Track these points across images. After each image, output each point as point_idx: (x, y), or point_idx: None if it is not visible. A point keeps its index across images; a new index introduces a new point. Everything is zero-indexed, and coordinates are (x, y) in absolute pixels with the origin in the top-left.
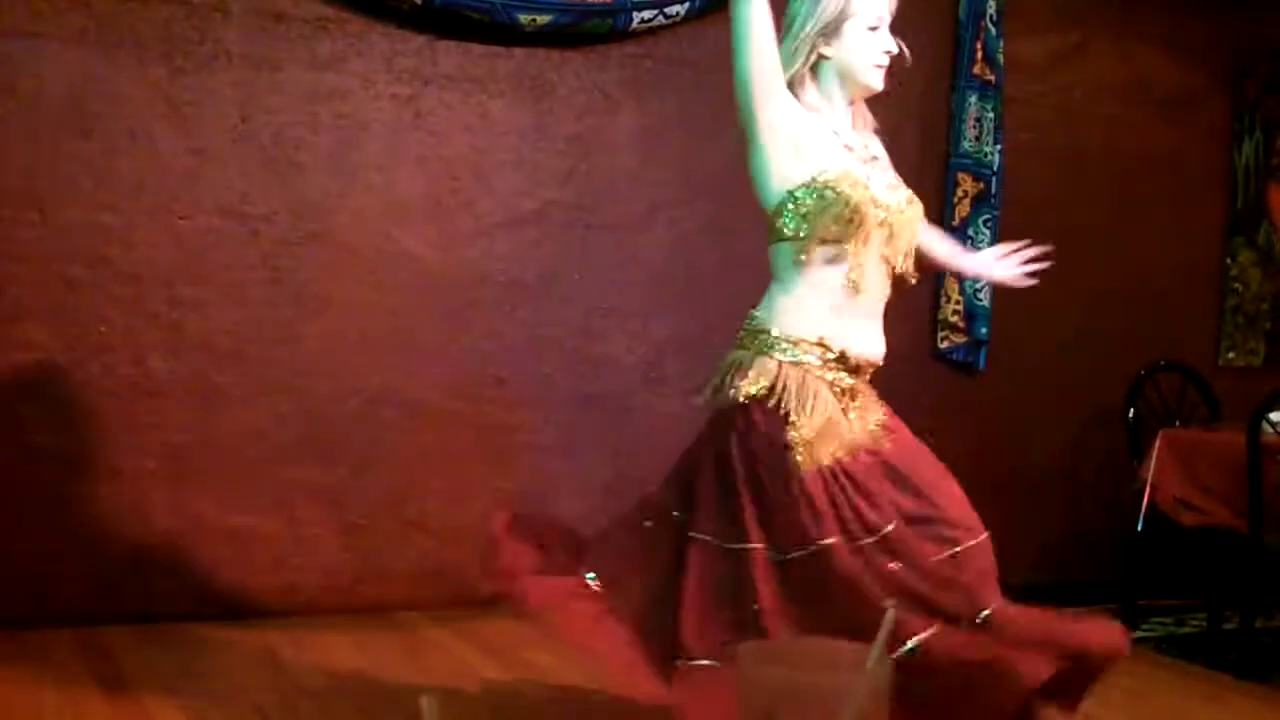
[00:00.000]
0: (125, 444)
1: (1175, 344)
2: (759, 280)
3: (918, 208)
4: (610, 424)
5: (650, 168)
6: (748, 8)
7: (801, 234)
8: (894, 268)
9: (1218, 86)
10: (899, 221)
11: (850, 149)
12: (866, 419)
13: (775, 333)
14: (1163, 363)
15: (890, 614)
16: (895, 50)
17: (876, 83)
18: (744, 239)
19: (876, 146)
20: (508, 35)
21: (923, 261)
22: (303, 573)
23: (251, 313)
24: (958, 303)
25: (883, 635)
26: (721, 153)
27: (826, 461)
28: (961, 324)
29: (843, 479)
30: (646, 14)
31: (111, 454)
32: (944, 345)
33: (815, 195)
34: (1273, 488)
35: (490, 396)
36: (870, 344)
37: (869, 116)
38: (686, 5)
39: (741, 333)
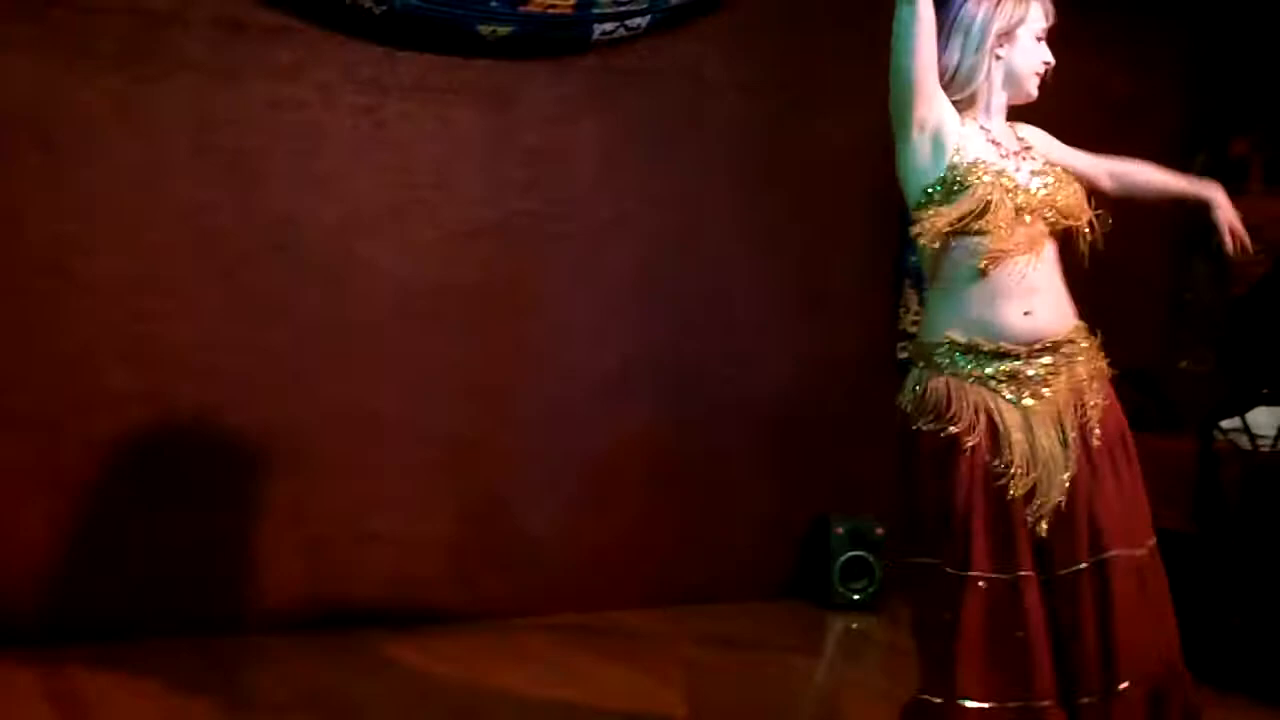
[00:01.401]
0: (87, 458)
1: (1128, 351)
2: (722, 290)
3: (1068, 185)
4: (574, 435)
5: (612, 178)
6: (912, 7)
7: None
8: (1047, 244)
9: (1169, 96)
10: (1037, 203)
11: (997, 143)
12: (1050, 394)
13: (921, 339)
14: (1115, 370)
15: (837, 631)
16: (1052, 62)
17: (1034, 90)
18: (707, 249)
19: (1033, 135)
20: (469, 45)
21: (1141, 196)
22: (262, 586)
23: (212, 324)
24: (916, 313)
25: (830, 652)
26: (683, 164)
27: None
28: None
29: None
30: (608, 26)
31: (74, 467)
32: (903, 356)
33: (945, 188)
34: (1223, 493)
35: (451, 408)
36: (1017, 324)
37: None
38: (648, 18)
39: None
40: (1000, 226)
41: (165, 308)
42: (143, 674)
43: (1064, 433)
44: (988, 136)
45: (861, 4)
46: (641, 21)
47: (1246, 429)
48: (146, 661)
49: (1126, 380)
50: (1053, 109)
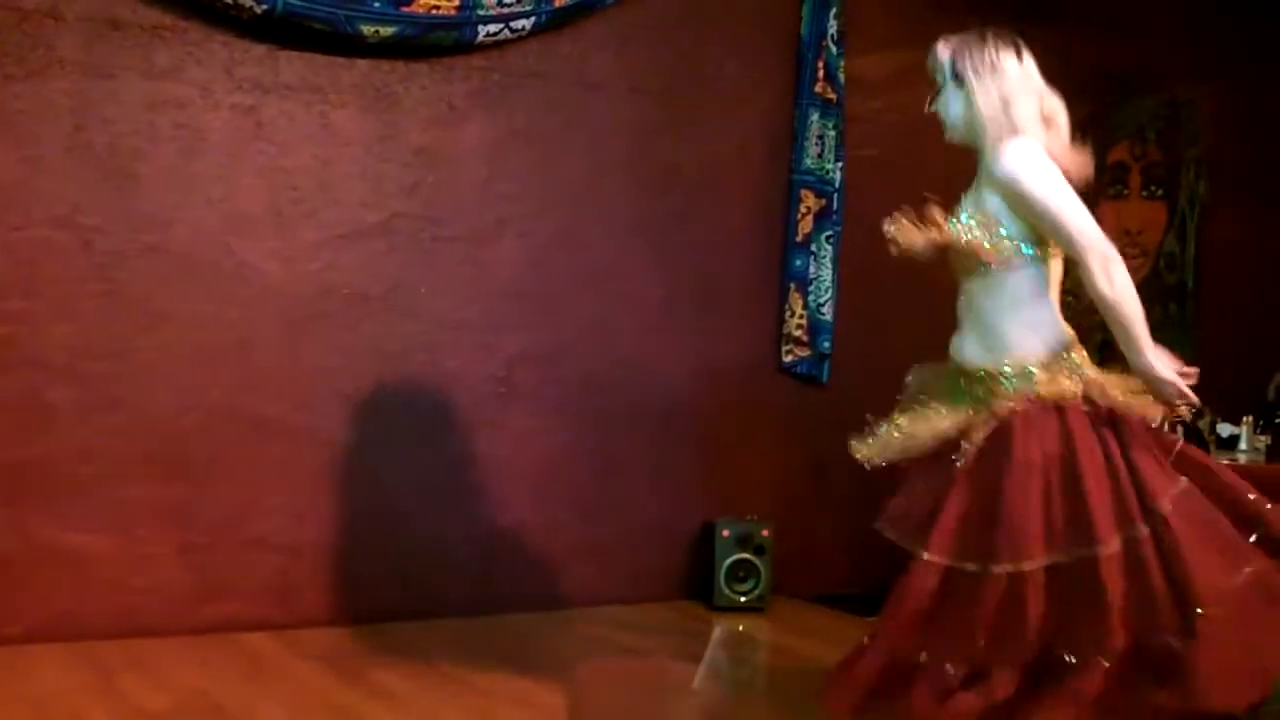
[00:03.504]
0: None
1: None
2: (610, 293)
3: (956, 235)
4: (460, 440)
5: (498, 180)
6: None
7: None
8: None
9: None
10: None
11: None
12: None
13: None
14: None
15: (717, 632)
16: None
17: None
18: (594, 252)
19: (989, 174)
20: (351, 46)
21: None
22: (142, 593)
23: (85, 326)
24: (801, 317)
25: (710, 651)
26: (570, 166)
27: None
28: (805, 338)
29: None
30: (492, 28)
31: None
32: (788, 359)
33: None
34: None
35: (334, 412)
36: (959, 352)
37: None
38: (533, 20)
39: None
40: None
41: (35, 309)
42: (21, 679)
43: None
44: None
45: (750, 6)
46: (526, 24)
47: None
48: (27, 667)
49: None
50: (937, 120)
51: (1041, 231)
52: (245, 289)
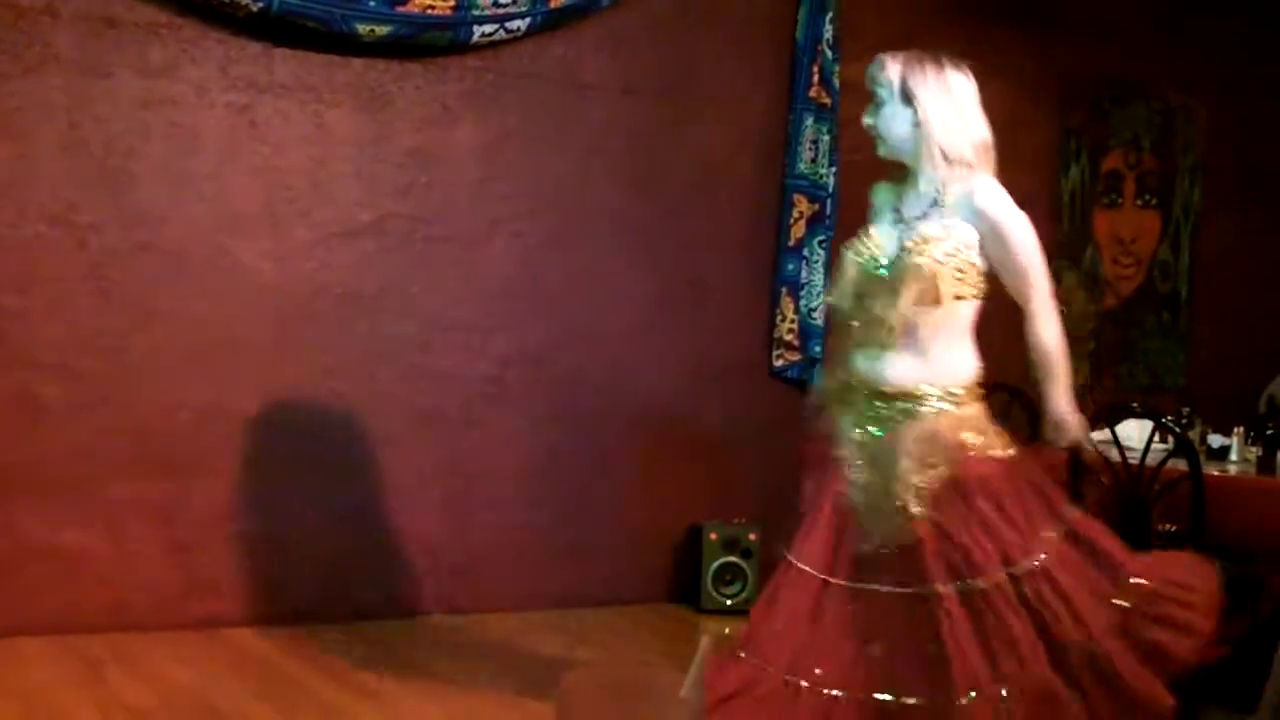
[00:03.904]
0: None
1: (1001, 363)
2: (600, 295)
3: (915, 259)
4: (449, 439)
5: (491, 181)
6: None
7: None
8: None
9: (1044, 112)
10: (892, 274)
11: (899, 212)
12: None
13: None
14: (989, 382)
15: (704, 642)
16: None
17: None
18: (585, 253)
19: (937, 203)
20: (346, 45)
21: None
22: (130, 589)
23: (77, 324)
24: (793, 322)
25: (699, 660)
26: (563, 167)
27: None
28: (796, 342)
29: None
30: (487, 28)
31: None
32: (779, 363)
33: None
34: (1092, 505)
35: (325, 411)
36: (867, 370)
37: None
38: (528, 20)
39: None
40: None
41: (28, 306)
42: (9, 674)
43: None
44: (900, 210)
45: (746, 10)
46: (521, 24)
47: (1116, 441)
48: (16, 662)
49: (1000, 392)
50: None
51: (1003, 271)
52: (238, 287)
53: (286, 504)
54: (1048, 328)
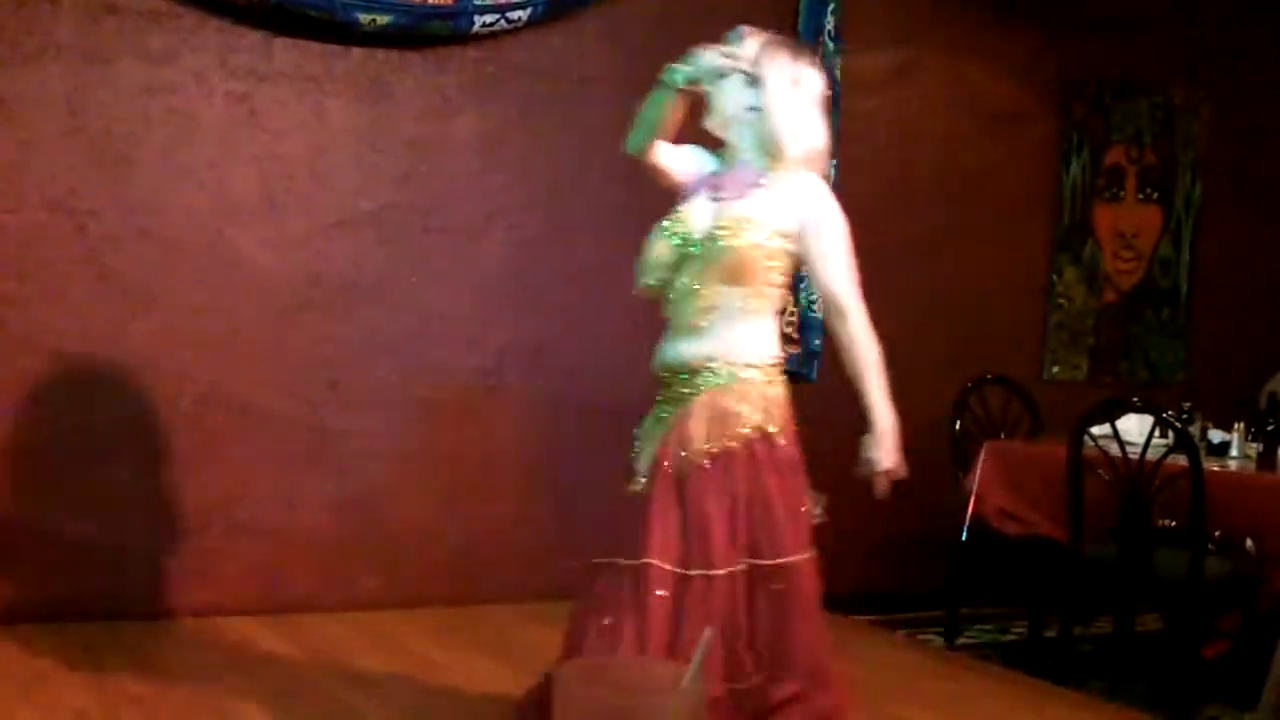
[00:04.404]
0: None
1: (1001, 357)
2: (599, 287)
3: (730, 241)
4: (446, 431)
5: (490, 172)
6: None
7: None
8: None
9: (1046, 105)
10: (703, 252)
11: (716, 188)
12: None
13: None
14: (988, 375)
15: (706, 635)
16: None
17: None
18: (584, 245)
19: (759, 188)
20: (346, 34)
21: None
22: (129, 576)
23: (76, 310)
24: (792, 314)
25: (699, 656)
26: (563, 159)
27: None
28: (796, 335)
29: None
30: (488, 18)
31: None
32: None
33: None
34: (1093, 500)
35: (323, 400)
36: (670, 354)
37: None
38: (529, 11)
39: None
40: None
41: (27, 292)
42: (6, 660)
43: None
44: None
45: (742, 1)
46: (522, 15)
47: (1117, 436)
48: (12, 648)
49: (999, 386)
50: (932, 119)
51: (817, 266)
52: (236, 275)
53: (284, 493)
54: (864, 329)
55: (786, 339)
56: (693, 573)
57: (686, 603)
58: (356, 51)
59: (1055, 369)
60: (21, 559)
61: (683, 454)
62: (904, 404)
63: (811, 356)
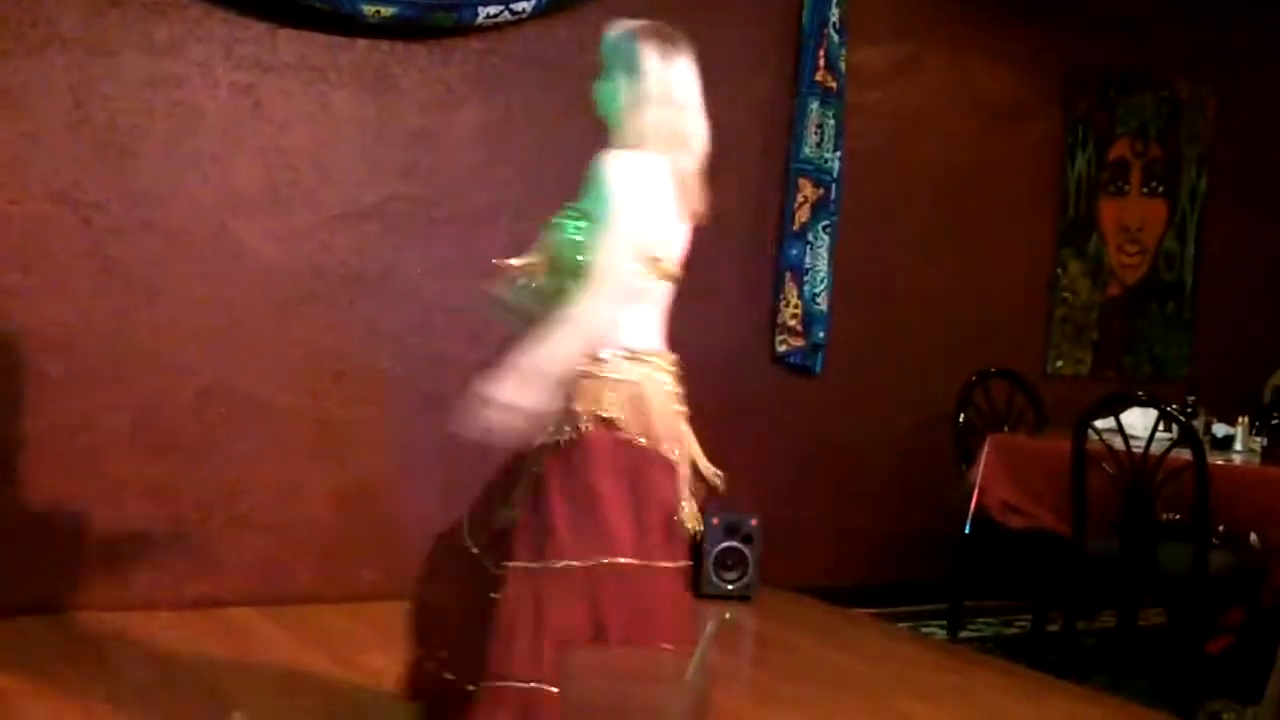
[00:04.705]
0: None
1: (1005, 351)
2: None
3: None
4: (449, 422)
5: (495, 164)
6: None
7: None
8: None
9: (1051, 100)
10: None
11: None
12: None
13: None
14: (992, 369)
15: (709, 626)
16: None
17: None
18: None
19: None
20: (350, 25)
21: None
22: (131, 567)
23: (81, 301)
24: (796, 307)
25: (703, 646)
26: (567, 150)
27: None
28: (800, 328)
29: None
30: (492, 9)
31: None
32: (782, 349)
33: None
34: (1096, 494)
35: (326, 392)
36: None
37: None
38: (533, 2)
39: None
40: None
41: (31, 283)
42: (9, 649)
43: None
44: None
45: None
46: (526, 6)
47: (1121, 430)
48: (16, 638)
49: (1003, 380)
50: (936, 113)
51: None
52: (240, 267)
53: (286, 484)
54: (591, 294)
55: (790, 331)
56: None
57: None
58: (361, 43)
59: (1059, 363)
60: (24, 550)
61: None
62: (909, 397)
63: (815, 349)
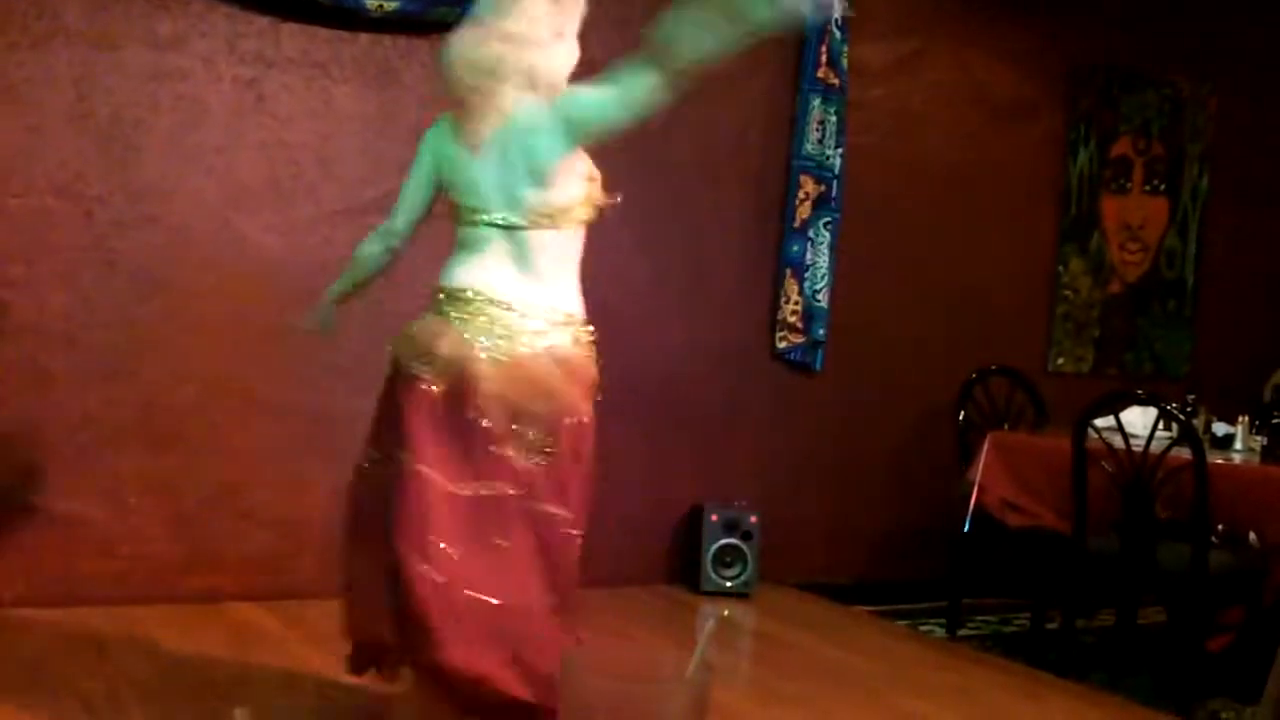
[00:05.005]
0: None
1: (1006, 348)
2: (602, 275)
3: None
4: None
5: None
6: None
7: None
8: None
9: (1053, 97)
10: None
11: None
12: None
13: None
14: (993, 366)
15: (711, 623)
16: None
17: None
18: (588, 233)
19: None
20: (353, 20)
21: None
22: (132, 561)
23: (84, 295)
24: (796, 303)
25: (703, 644)
26: None
27: None
28: (800, 325)
29: None
30: None
31: None
32: (782, 345)
33: None
34: (1096, 492)
35: (328, 387)
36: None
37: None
38: None
39: None
40: None
41: (35, 276)
42: (12, 643)
43: None
44: None
45: None
46: None
47: (1121, 428)
48: (19, 631)
49: (1004, 377)
50: (938, 110)
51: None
52: (243, 262)
53: (289, 479)
54: (370, 236)
55: (790, 328)
56: None
57: None
58: (364, 37)
59: (1060, 360)
60: (27, 543)
61: None
62: (909, 394)
63: (816, 346)
